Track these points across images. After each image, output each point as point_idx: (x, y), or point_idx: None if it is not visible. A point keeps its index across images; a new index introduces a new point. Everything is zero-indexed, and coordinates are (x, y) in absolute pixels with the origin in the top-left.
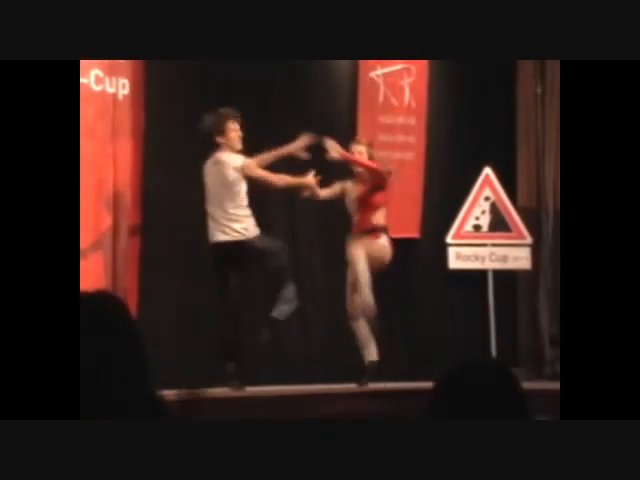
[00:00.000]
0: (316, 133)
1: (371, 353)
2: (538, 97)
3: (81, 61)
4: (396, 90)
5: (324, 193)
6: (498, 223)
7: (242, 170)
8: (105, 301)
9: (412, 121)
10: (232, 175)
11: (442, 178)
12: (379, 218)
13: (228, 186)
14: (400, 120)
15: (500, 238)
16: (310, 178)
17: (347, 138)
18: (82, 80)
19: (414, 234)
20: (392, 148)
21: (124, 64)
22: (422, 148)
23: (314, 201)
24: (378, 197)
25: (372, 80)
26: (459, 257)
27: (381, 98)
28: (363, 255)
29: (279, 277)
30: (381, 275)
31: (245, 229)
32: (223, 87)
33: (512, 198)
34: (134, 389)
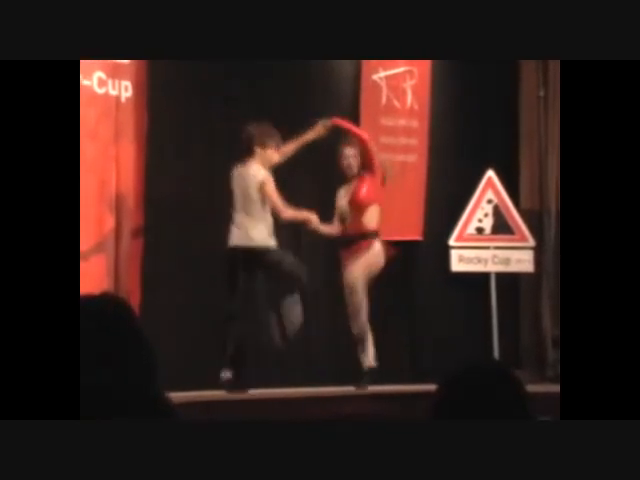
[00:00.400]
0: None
1: (369, 358)
2: (541, 100)
3: (84, 63)
4: (398, 92)
5: (326, 230)
6: (501, 226)
7: (260, 184)
8: (109, 303)
9: (414, 123)
10: (254, 186)
11: (445, 180)
12: (371, 220)
13: (250, 194)
14: (402, 122)
15: (503, 241)
16: (313, 216)
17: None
18: (85, 82)
19: (417, 236)
20: (394, 150)
21: (127, 66)
22: (424, 150)
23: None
24: (369, 193)
25: (374, 82)
26: (462, 260)
27: (383, 100)
28: (361, 280)
29: (290, 289)
30: (383, 278)
31: (265, 237)
32: (225, 89)
33: (515, 201)
34: (138, 390)
